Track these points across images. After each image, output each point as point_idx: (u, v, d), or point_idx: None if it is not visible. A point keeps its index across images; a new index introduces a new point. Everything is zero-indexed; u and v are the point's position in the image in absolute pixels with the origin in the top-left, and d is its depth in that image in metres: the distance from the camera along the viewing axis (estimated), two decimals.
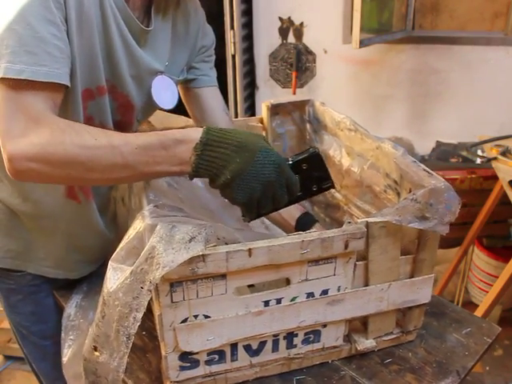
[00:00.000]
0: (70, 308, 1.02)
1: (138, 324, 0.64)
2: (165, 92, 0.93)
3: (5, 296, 1.04)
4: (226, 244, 0.68)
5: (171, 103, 0.95)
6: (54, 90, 0.70)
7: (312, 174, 0.77)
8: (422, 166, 0.84)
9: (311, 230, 0.72)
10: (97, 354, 0.69)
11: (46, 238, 0.97)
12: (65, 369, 0.94)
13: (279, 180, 0.71)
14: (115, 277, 0.66)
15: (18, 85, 0.67)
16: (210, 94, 1.04)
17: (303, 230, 0.83)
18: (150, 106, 0.95)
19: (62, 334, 0.97)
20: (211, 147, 0.68)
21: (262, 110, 1.19)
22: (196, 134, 0.69)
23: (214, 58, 1.07)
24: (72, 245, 1.00)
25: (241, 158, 0.68)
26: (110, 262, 0.68)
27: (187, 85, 1.03)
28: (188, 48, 0.99)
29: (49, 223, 0.95)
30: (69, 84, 0.73)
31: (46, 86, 0.69)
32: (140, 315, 0.63)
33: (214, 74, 1.06)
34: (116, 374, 0.67)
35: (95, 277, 1.09)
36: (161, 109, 0.96)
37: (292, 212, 1.01)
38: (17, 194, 0.91)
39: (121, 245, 0.69)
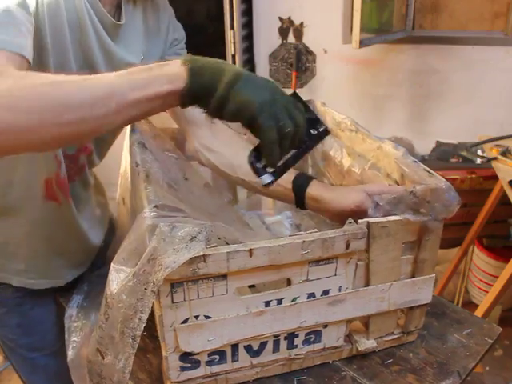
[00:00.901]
0: (72, 309, 1.01)
1: (144, 325, 0.64)
2: None
3: None
4: (227, 244, 0.68)
5: None
6: (17, 61, 0.63)
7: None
8: (423, 166, 0.84)
9: (311, 231, 0.72)
10: (101, 355, 0.69)
11: (26, 246, 0.96)
12: (70, 370, 0.94)
13: (283, 93, 0.64)
14: (117, 279, 0.66)
15: None
16: None
17: (300, 192, 0.82)
18: None
19: (66, 335, 0.96)
20: (200, 60, 0.62)
21: None
22: (176, 59, 0.63)
23: (185, 52, 1.06)
24: (53, 250, 0.99)
25: (231, 69, 0.61)
26: (111, 264, 0.68)
27: None
28: (161, 41, 1.00)
29: (28, 229, 0.94)
30: (31, 60, 0.66)
31: (8, 55, 0.62)
32: (145, 316, 0.63)
33: None
34: (122, 375, 0.67)
35: (96, 277, 1.09)
36: None
37: (286, 175, 0.97)
38: None
39: (122, 247, 0.69)
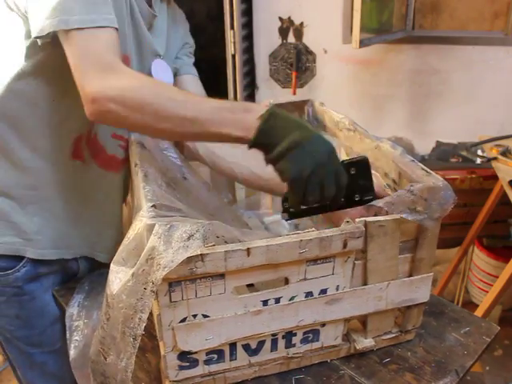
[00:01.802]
0: (73, 308, 1.01)
1: (144, 324, 0.64)
2: (163, 74, 0.98)
3: None
4: (226, 242, 0.68)
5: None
6: (113, 35, 0.78)
7: (357, 182, 0.78)
8: (421, 165, 0.85)
9: (309, 230, 0.72)
10: (103, 355, 0.69)
11: (44, 210, 0.97)
12: (73, 369, 0.94)
13: (330, 165, 0.71)
14: (117, 279, 0.66)
15: (85, 34, 0.74)
16: (191, 82, 1.09)
17: None
18: None
19: (67, 335, 0.96)
20: (275, 119, 0.72)
21: None
22: (262, 108, 0.73)
23: (193, 59, 1.14)
24: (71, 216, 1.00)
25: (300, 132, 0.70)
26: (111, 265, 0.68)
27: None
28: (178, 38, 1.08)
29: (48, 193, 0.96)
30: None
31: (106, 31, 0.76)
32: (145, 316, 0.63)
33: (195, 70, 1.12)
34: (124, 374, 0.67)
35: (97, 276, 1.09)
36: None
37: None
38: (14, 167, 0.92)
39: (121, 247, 0.69)
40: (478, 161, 2.36)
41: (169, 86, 0.79)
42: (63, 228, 1.01)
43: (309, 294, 0.76)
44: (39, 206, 0.96)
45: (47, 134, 0.92)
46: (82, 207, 1.02)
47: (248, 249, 0.67)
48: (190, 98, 0.75)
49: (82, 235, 1.05)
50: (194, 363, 0.76)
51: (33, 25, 0.77)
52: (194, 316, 0.71)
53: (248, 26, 2.88)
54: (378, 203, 0.74)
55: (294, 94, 2.90)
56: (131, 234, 0.69)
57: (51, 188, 0.96)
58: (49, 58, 0.85)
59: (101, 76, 0.73)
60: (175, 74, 1.09)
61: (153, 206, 0.70)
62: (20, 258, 0.97)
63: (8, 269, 0.97)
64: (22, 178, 0.94)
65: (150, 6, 0.96)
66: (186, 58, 1.11)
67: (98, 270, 1.11)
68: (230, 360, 0.78)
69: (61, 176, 0.96)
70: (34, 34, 0.77)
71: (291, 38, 2.90)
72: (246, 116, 0.72)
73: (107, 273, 0.68)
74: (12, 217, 0.95)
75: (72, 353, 0.93)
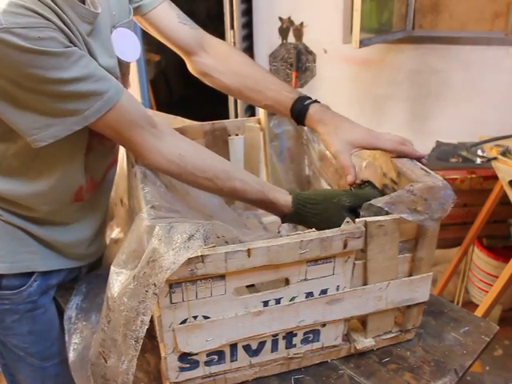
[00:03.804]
0: (71, 310, 1.01)
1: (147, 327, 0.64)
2: (123, 45, 0.91)
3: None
4: (226, 242, 0.68)
5: (135, 54, 0.95)
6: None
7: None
8: (420, 164, 0.85)
9: (309, 231, 0.73)
10: (104, 358, 0.69)
11: (48, 231, 0.98)
12: (72, 372, 0.94)
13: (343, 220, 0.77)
14: (118, 282, 0.66)
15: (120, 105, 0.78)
16: (160, 13, 1.00)
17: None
18: (121, 64, 0.93)
19: (66, 337, 0.96)
20: (298, 215, 0.86)
21: (260, 110, 1.20)
22: (286, 200, 0.86)
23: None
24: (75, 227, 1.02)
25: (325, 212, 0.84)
26: (111, 267, 0.68)
27: (137, 15, 1.00)
28: None
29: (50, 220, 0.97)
30: None
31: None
32: (147, 318, 0.63)
33: None
34: (125, 377, 0.67)
35: (94, 277, 1.09)
36: (127, 63, 0.95)
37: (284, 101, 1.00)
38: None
39: (121, 248, 0.69)
40: (478, 161, 2.36)
41: (215, 157, 0.88)
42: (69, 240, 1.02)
43: (309, 295, 0.76)
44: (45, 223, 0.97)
45: (49, 197, 0.93)
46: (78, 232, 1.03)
47: (249, 249, 0.67)
48: (234, 183, 0.85)
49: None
50: (195, 364, 0.76)
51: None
52: (195, 317, 0.71)
53: (248, 25, 2.88)
54: (378, 203, 0.74)
55: None
56: (130, 236, 0.69)
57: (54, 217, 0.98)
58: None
59: (153, 146, 0.82)
60: (142, 15, 0.99)
61: (152, 207, 0.70)
62: (31, 274, 0.97)
63: (21, 286, 0.97)
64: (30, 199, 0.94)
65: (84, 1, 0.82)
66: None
67: (96, 270, 1.11)
68: (231, 361, 0.78)
69: (63, 213, 0.98)
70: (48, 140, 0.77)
71: (291, 38, 2.91)
72: (273, 210, 0.88)
73: (105, 274, 0.68)
74: (22, 233, 0.95)
75: (71, 355, 0.93)
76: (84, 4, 0.79)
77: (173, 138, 0.86)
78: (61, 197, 0.94)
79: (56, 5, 0.72)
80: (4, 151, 0.86)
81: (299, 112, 0.96)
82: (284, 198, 0.86)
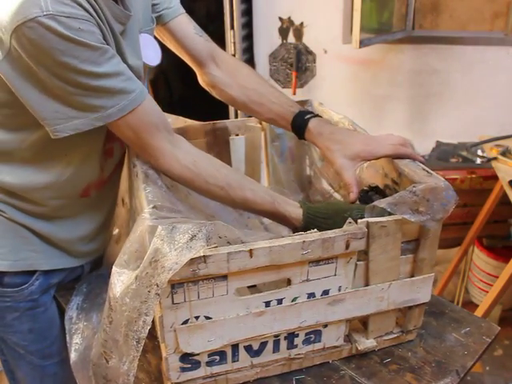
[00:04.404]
0: (72, 310, 1.01)
1: (149, 328, 0.64)
2: (147, 49, 0.96)
3: (0, 316, 1.01)
4: (228, 243, 0.68)
5: (156, 58, 0.99)
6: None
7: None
8: (421, 165, 0.85)
9: (311, 231, 0.73)
10: (105, 359, 0.69)
11: (54, 226, 0.98)
12: (74, 373, 0.93)
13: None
14: (120, 282, 0.66)
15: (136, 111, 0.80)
16: (179, 24, 1.04)
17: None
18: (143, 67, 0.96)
19: (67, 338, 0.96)
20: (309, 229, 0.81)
21: None
22: (298, 214, 0.85)
23: None
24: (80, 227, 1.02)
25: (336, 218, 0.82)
26: (113, 267, 0.68)
27: (158, 23, 1.02)
28: None
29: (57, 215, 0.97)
30: None
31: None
32: (150, 319, 0.63)
33: (174, 2, 1.04)
34: (126, 378, 0.67)
35: (95, 277, 1.09)
36: (150, 67, 0.99)
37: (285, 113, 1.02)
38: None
39: (123, 249, 0.69)
40: (478, 161, 2.36)
41: (225, 169, 0.89)
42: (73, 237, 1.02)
43: (311, 295, 0.76)
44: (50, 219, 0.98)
45: (58, 191, 0.94)
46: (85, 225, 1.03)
47: (251, 250, 0.67)
48: (246, 195, 0.86)
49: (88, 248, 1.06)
50: (196, 365, 0.76)
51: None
52: (197, 318, 0.71)
53: (248, 25, 2.88)
54: (381, 204, 0.74)
55: (294, 94, 2.90)
56: (133, 236, 0.69)
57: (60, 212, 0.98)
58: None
59: (170, 153, 0.84)
60: (161, 25, 1.03)
61: (154, 207, 0.70)
62: (32, 272, 0.98)
63: (22, 284, 0.97)
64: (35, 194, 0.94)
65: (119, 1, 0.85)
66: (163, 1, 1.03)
67: (96, 270, 1.11)
68: (232, 361, 0.78)
69: (69, 208, 0.98)
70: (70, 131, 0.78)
71: (291, 38, 2.90)
72: (285, 222, 0.87)
73: (106, 274, 0.68)
74: (25, 231, 0.95)
75: (73, 356, 0.93)
76: (118, 5, 0.83)
77: (187, 145, 0.88)
78: (70, 192, 0.95)
79: (96, 2, 0.76)
80: (19, 143, 0.87)
81: (299, 126, 0.98)
82: (295, 211, 0.85)
